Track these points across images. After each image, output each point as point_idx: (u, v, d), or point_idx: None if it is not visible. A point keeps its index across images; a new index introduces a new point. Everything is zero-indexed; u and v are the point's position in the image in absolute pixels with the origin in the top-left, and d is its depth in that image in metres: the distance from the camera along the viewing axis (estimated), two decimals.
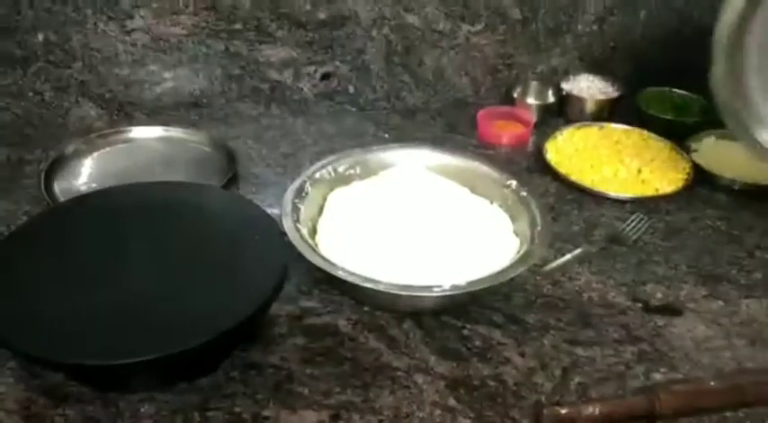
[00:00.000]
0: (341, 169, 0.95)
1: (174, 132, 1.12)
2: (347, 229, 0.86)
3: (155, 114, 1.17)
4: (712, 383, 0.73)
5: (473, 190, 0.94)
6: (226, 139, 1.12)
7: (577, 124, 1.21)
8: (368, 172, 0.96)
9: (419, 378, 0.74)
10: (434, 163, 0.97)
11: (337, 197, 0.92)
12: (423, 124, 1.24)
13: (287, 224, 0.82)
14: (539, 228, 0.85)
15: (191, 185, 0.92)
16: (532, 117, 1.22)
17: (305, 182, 0.90)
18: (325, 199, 0.92)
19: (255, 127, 1.19)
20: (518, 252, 0.83)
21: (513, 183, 0.92)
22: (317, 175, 0.92)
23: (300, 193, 0.88)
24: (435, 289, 0.75)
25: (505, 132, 1.19)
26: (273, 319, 0.80)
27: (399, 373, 0.75)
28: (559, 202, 1.04)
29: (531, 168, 1.13)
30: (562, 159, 1.12)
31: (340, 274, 0.76)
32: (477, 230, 0.87)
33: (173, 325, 0.68)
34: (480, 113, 1.21)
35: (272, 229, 0.80)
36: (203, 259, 0.77)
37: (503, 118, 1.23)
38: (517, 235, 0.87)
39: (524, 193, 0.90)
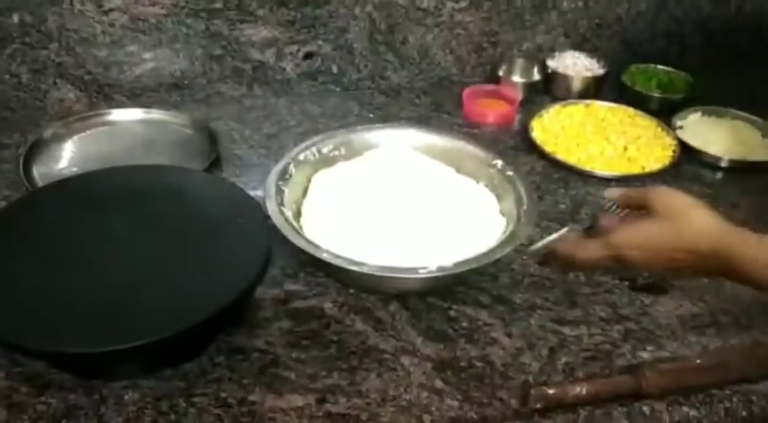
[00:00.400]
0: (325, 150, 0.93)
1: (155, 114, 1.11)
2: (332, 211, 0.85)
3: (135, 96, 1.15)
4: (698, 361, 0.74)
5: (459, 170, 0.93)
6: (208, 120, 1.10)
7: (563, 102, 1.21)
8: (352, 153, 0.95)
9: (406, 360, 0.74)
10: (420, 143, 0.96)
11: (322, 179, 0.91)
12: (407, 103, 1.23)
13: (271, 207, 0.81)
14: (525, 207, 0.84)
15: (173, 169, 0.90)
16: (518, 95, 1.21)
17: (289, 164, 0.89)
18: (309, 181, 0.91)
19: (238, 108, 1.17)
20: (504, 232, 0.82)
21: (499, 162, 0.91)
22: (301, 156, 0.91)
23: (284, 176, 0.87)
24: (421, 271, 0.74)
25: (491, 111, 1.18)
26: (258, 303, 0.79)
27: (386, 356, 0.74)
28: (545, 180, 1.04)
29: (516, 147, 1.12)
30: (548, 138, 1.11)
31: (324, 256, 0.75)
32: (463, 210, 0.86)
33: (156, 311, 0.67)
34: (465, 92, 1.19)
35: (256, 212, 0.79)
36: (186, 244, 0.76)
37: (488, 96, 1.22)
38: (503, 214, 0.87)
39: (510, 173, 0.90)
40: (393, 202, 0.86)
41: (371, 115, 1.18)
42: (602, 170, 1.05)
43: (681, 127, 1.16)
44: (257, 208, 0.80)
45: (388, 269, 0.74)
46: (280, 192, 0.84)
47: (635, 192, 0.73)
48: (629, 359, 0.75)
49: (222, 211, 0.79)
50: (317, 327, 0.77)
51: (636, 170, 1.05)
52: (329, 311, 0.79)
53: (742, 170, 1.08)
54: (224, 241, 0.75)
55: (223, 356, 0.73)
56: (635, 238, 0.68)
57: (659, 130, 1.14)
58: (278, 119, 1.15)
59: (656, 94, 1.23)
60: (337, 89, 1.24)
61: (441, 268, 0.74)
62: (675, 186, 1.02)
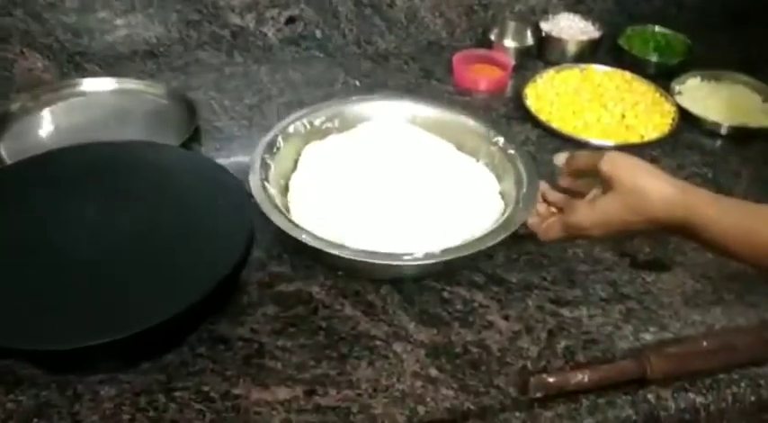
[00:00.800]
0: (317, 122, 0.88)
1: (130, 84, 1.05)
2: (322, 188, 0.80)
3: (108, 65, 1.09)
4: (704, 344, 0.71)
5: (458, 146, 0.89)
6: (185, 90, 1.05)
7: (557, 67, 1.16)
8: (345, 125, 0.90)
9: (398, 347, 0.70)
10: (416, 115, 0.91)
11: (312, 152, 0.86)
12: (395, 70, 1.17)
13: (254, 182, 0.76)
14: (524, 190, 0.80)
15: (150, 145, 0.85)
16: (511, 60, 1.16)
17: (277, 136, 0.84)
18: (299, 154, 0.86)
19: (217, 76, 1.12)
20: (502, 214, 0.78)
21: (501, 140, 0.86)
22: (291, 128, 0.86)
23: (272, 149, 0.82)
24: (406, 258, 0.70)
25: (483, 77, 1.13)
26: (242, 287, 0.75)
27: (377, 343, 0.71)
28: (540, 150, 0.99)
29: (509, 115, 1.07)
30: (543, 105, 1.07)
31: (304, 238, 0.70)
32: (460, 190, 0.81)
33: (132, 301, 0.63)
34: (456, 57, 1.14)
35: (238, 190, 0.75)
36: (164, 226, 0.71)
37: (479, 61, 1.17)
38: (502, 196, 0.82)
39: (512, 151, 0.85)
40: (386, 179, 0.82)
41: (358, 83, 1.13)
42: (598, 139, 1.00)
43: (679, 92, 1.12)
44: (239, 186, 0.75)
45: (376, 255, 0.70)
46: (265, 166, 0.80)
47: (585, 159, 0.73)
48: (632, 341, 0.72)
49: (202, 191, 0.75)
50: (304, 312, 0.73)
51: (635, 139, 1.01)
52: (317, 295, 0.75)
53: (743, 137, 1.04)
54: (204, 222, 0.71)
55: (205, 346, 0.69)
56: (592, 217, 0.69)
57: (657, 95, 1.10)
58: (260, 88, 1.10)
59: (654, 59, 1.18)
60: (321, 55, 1.19)
61: (429, 255, 0.70)
62: (675, 155, 1.00)
